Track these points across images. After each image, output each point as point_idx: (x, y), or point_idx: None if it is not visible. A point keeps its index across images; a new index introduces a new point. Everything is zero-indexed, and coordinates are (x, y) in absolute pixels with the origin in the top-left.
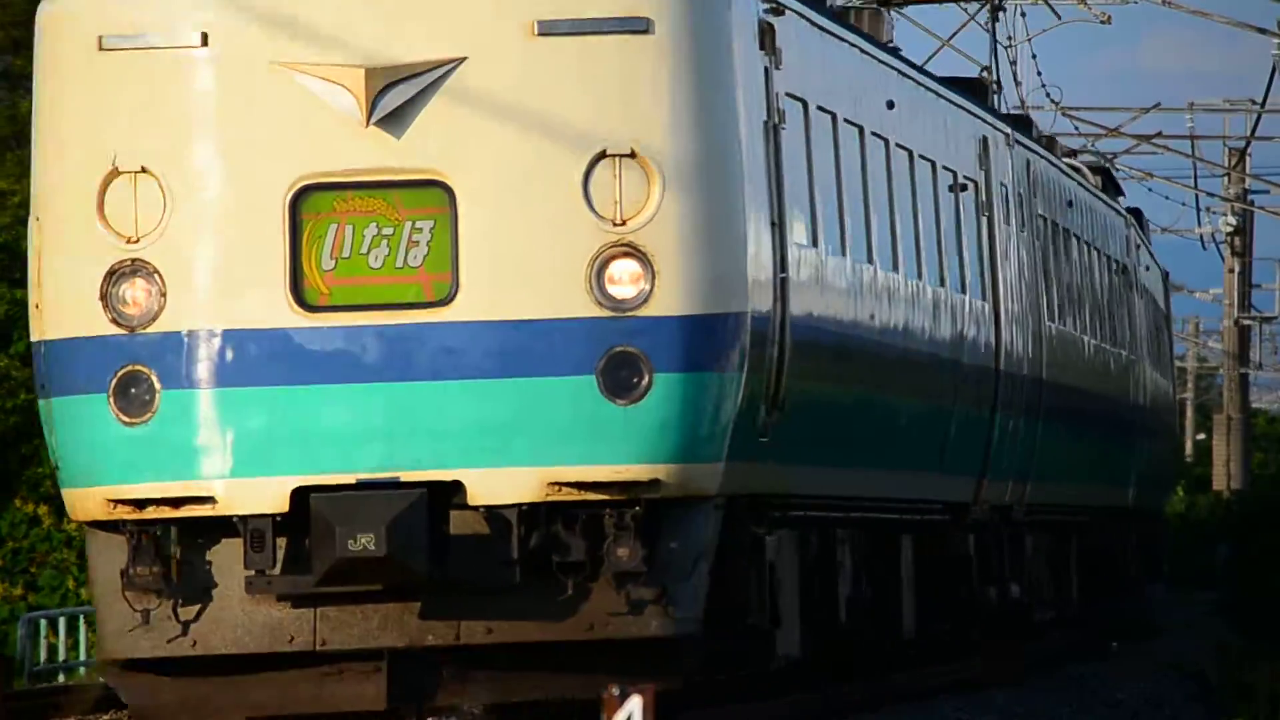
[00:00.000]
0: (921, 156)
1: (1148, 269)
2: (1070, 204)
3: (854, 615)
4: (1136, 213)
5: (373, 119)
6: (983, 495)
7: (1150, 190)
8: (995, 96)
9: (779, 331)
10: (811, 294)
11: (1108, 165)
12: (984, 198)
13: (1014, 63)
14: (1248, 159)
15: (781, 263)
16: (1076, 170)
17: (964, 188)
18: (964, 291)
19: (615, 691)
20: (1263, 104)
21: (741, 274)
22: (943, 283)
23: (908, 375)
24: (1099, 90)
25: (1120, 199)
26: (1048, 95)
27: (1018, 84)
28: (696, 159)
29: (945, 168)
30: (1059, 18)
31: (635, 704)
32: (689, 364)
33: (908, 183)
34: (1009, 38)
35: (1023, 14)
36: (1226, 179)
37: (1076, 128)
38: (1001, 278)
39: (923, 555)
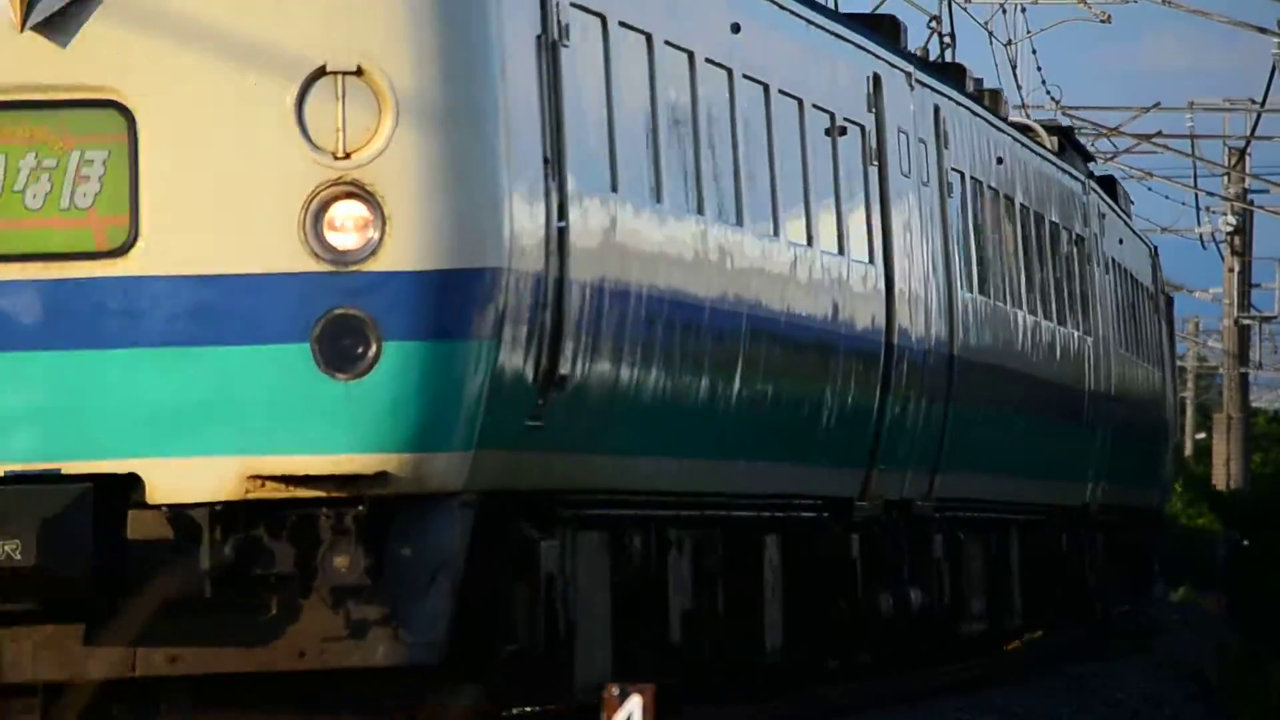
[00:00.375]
0: (783, 92)
1: (1121, 242)
2: (1000, 160)
3: (694, 631)
4: (1108, 181)
5: (30, 22)
6: (872, 489)
7: (1150, 190)
8: (948, 51)
9: (556, 292)
10: (609, 249)
11: (1069, 126)
12: (873, 144)
13: (1014, 63)
14: (1248, 159)
15: (560, 210)
16: (1028, 130)
17: (844, 131)
18: (842, 253)
19: (615, 691)
20: (1263, 104)
21: (497, 221)
22: (810, 242)
23: (758, 350)
24: (1099, 90)
25: (1090, 165)
26: (1048, 94)
27: (1019, 86)
28: (439, 78)
29: (818, 107)
30: None
31: (635, 703)
32: (427, 330)
33: (761, 122)
34: (1009, 38)
35: (1023, 10)
36: (1226, 179)
37: (1077, 128)
38: (897, 239)
39: (795, 559)
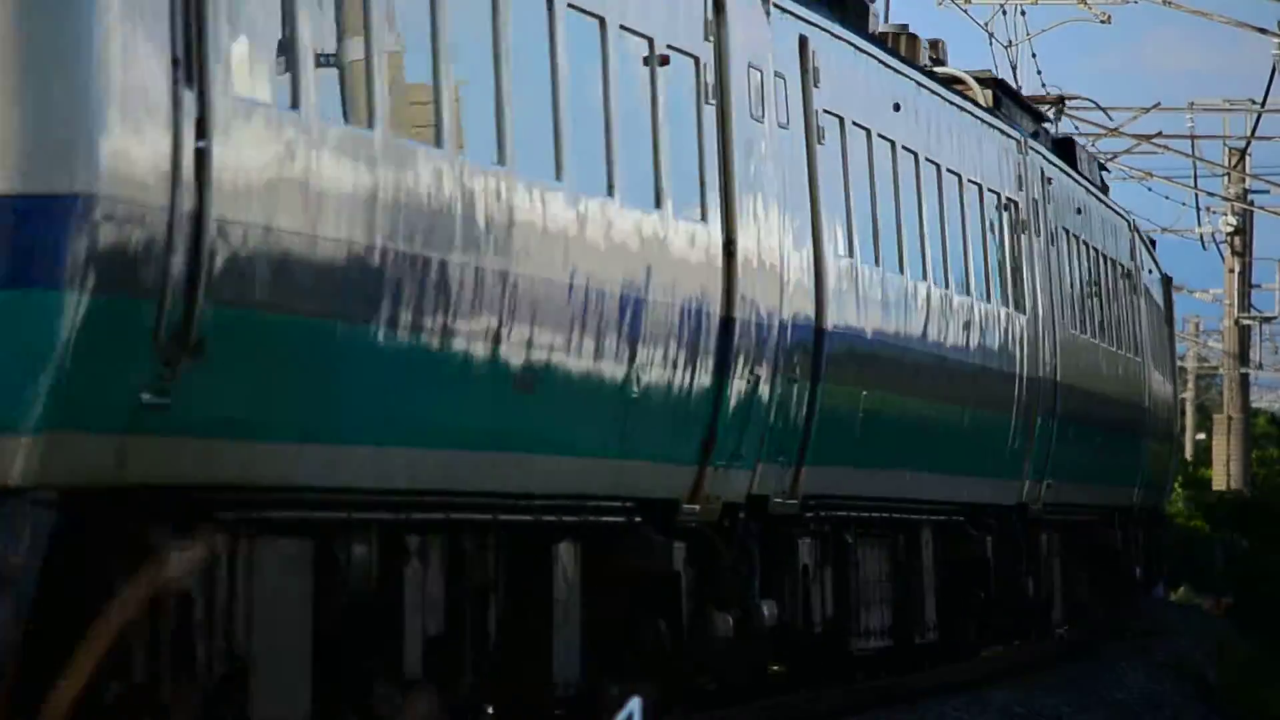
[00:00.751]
0: (576, 8)
1: (1080, 211)
2: (898, 108)
3: (445, 661)
4: (1065, 144)
5: None
6: (706, 487)
7: (1150, 190)
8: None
9: (192, 232)
10: (283, 182)
11: (1004, 80)
12: (710, 79)
13: (1014, 64)
14: (1248, 159)
15: (199, 126)
16: (955, 81)
17: (665, 61)
18: (658, 207)
19: (614, 691)
20: (1263, 104)
21: (89, 134)
22: (611, 192)
23: (526, 321)
24: (1099, 90)
25: (1044, 125)
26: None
27: (1018, 85)
28: None
29: (628, 30)
30: None
31: (635, 704)
32: None
33: (540, 42)
34: (1009, 39)
35: (1022, 13)
36: (1226, 179)
37: (1076, 127)
38: (740, 192)
39: (600, 573)
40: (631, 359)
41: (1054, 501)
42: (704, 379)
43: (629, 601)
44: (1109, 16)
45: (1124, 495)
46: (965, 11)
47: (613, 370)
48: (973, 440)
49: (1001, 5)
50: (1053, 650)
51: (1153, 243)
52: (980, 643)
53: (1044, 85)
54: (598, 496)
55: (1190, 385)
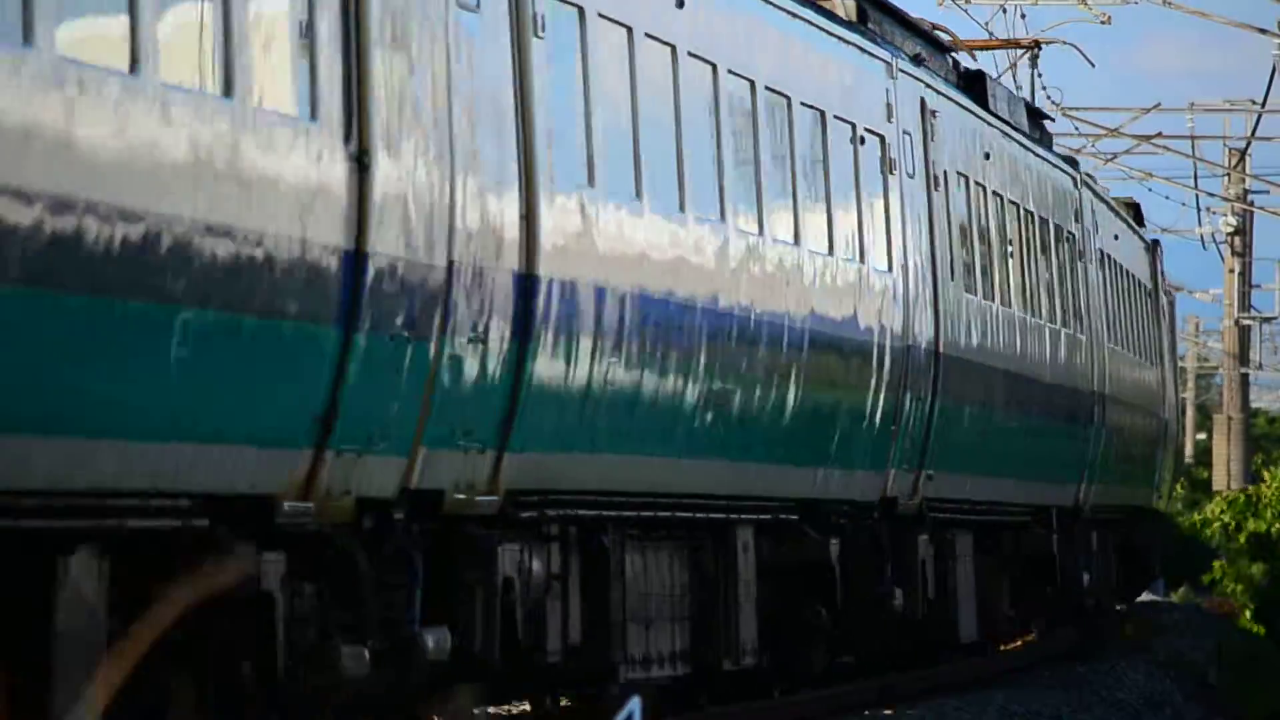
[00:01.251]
0: None
1: (988, 156)
2: (681, 4)
3: None
4: (974, 77)
5: None
6: (324, 479)
7: (1150, 190)
8: None
9: None
10: None
11: None
12: None
13: (1014, 65)
14: (1248, 159)
15: None
16: None
17: None
18: (228, 95)
19: (614, 691)
20: (1263, 104)
21: None
22: (136, 69)
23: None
24: (1099, 91)
25: (950, 55)
26: (1047, 96)
27: (1017, 87)
28: None
29: None
30: None
31: (635, 704)
32: None
33: None
34: (1009, 39)
35: (1022, 15)
36: (1226, 179)
37: (1076, 128)
38: (388, 90)
39: (151, 597)
40: (183, 299)
41: (939, 497)
42: (317, 332)
43: (192, 634)
44: (1109, 17)
45: (1061, 493)
46: (965, 11)
47: (141, 317)
48: (805, 422)
49: (1002, 5)
50: (1053, 650)
51: (1134, 206)
52: (830, 663)
53: (1044, 86)
54: (126, 493)
55: (1190, 385)
